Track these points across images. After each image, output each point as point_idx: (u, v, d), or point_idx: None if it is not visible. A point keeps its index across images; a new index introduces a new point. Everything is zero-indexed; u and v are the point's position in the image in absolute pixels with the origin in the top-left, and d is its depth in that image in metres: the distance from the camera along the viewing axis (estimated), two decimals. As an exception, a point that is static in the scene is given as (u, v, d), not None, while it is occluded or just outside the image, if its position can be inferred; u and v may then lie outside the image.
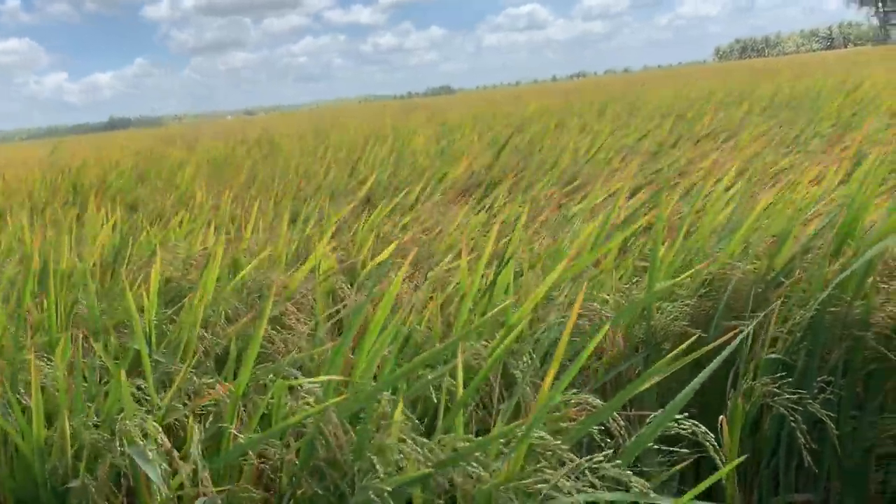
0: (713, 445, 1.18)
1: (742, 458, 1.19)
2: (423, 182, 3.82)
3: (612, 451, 1.24)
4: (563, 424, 1.20)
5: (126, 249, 2.51)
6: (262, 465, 1.33)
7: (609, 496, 0.98)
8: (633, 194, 2.87)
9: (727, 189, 2.54)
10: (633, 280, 1.97)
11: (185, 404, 1.45)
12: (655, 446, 1.44)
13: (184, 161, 5.93)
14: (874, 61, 13.19)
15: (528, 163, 4.18)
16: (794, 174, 2.65)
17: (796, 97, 6.62)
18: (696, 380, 1.08)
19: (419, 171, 4.06)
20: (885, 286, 1.70)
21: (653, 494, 0.98)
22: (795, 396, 1.48)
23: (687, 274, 1.70)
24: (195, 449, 1.21)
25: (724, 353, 1.10)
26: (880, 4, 71.15)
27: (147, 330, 1.75)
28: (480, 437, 1.06)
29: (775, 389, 1.51)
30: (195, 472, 1.29)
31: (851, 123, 4.39)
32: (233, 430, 1.27)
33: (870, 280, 1.63)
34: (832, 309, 1.63)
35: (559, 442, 1.11)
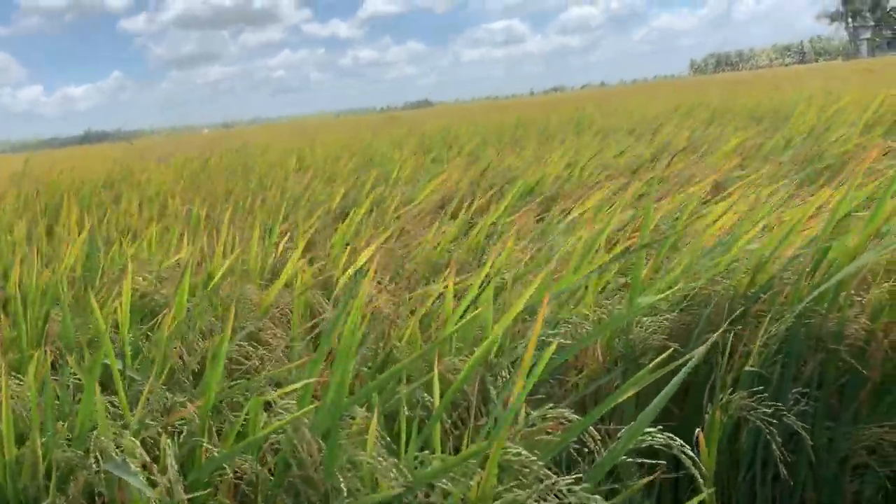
0: (689, 458, 1.18)
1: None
2: (403, 197, 3.82)
3: (588, 466, 1.24)
4: (539, 439, 1.19)
5: (98, 263, 2.48)
6: (237, 481, 1.31)
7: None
8: (611, 206, 2.89)
9: (704, 202, 2.56)
10: (614, 295, 1.97)
11: (157, 420, 1.43)
12: (636, 460, 1.44)
13: (158, 173, 5.88)
14: (848, 75, 13.43)
15: (510, 178, 4.20)
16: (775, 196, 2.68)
17: (774, 109, 6.72)
18: (663, 392, 1.08)
19: (399, 186, 4.06)
20: (860, 298, 1.72)
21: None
22: (771, 409, 1.48)
23: (669, 291, 1.71)
24: (171, 462, 1.19)
25: (691, 364, 1.09)
26: (850, 20, 72.64)
27: (121, 346, 1.73)
28: (452, 456, 1.05)
29: (752, 403, 1.51)
30: (171, 487, 1.27)
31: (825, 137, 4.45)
32: (205, 446, 1.25)
33: (844, 293, 1.65)
34: (807, 321, 1.64)
35: (535, 458, 1.11)
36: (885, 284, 1.67)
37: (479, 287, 1.78)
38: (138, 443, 1.21)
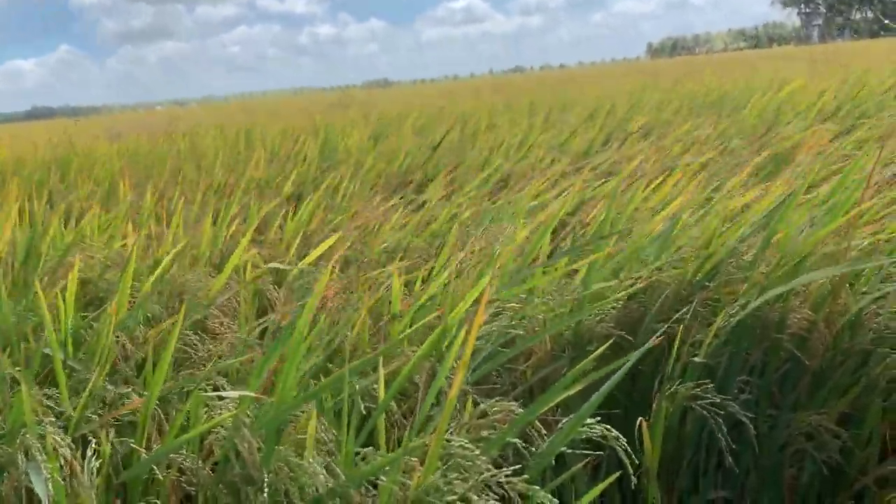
0: (624, 449, 1.19)
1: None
2: (356, 179, 3.78)
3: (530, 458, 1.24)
4: (485, 433, 1.19)
5: (39, 246, 2.39)
6: (177, 478, 1.29)
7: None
8: (561, 193, 2.90)
9: (652, 188, 2.58)
10: (563, 282, 1.98)
11: (99, 415, 1.39)
12: (580, 451, 1.45)
13: (105, 153, 5.72)
14: (798, 58, 13.68)
15: (461, 159, 4.18)
16: (718, 177, 2.71)
17: (725, 95, 6.81)
18: (602, 388, 1.08)
19: (351, 167, 4.01)
20: (802, 288, 1.76)
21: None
22: (717, 399, 1.51)
23: (616, 281, 1.72)
24: (89, 467, 1.16)
25: (631, 362, 1.10)
26: (802, 6, 74.00)
27: (63, 336, 1.67)
28: (392, 453, 1.04)
29: (698, 392, 1.54)
30: (107, 486, 1.24)
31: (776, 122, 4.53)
32: (143, 443, 1.22)
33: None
34: (755, 312, 1.67)
35: (477, 452, 1.10)
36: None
37: (430, 276, 1.77)
38: (63, 443, 1.17)
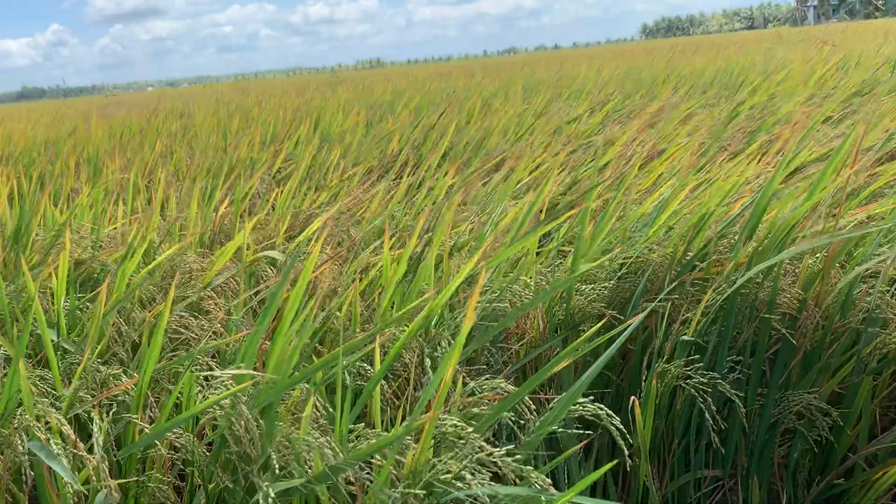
0: (618, 429, 1.20)
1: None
2: (352, 160, 3.77)
3: (525, 436, 1.25)
4: (476, 410, 1.19)
5: (29, 226, 2.38)
6: (172, 456, 1.29)
7: (505, 490, 0.97)
8: (558, 172, 2.90)
9: (642, 168, 2.58)
10: (556, 263, 1.98)
11: (92, 395, 1.39)
12: (572, 430, 1.46)
13: (97, 134, 5.68)
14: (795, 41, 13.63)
15: (456, 141, 4.17)
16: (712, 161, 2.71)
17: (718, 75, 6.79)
18: (594, 366, 1.08)
19: (344, 149, 4.00)
20: (792, 267, 1.76)
21: (553, 490, 0.98)
22: (707, 378, 1.52)
23: (606, 257, 1.72)
24: (97, 441, 1.16)
25: (623, 337, 1.10)
26: (798, -13, 73.75)
27: (56, 316, 1.67)
28: (386, 433, 1.04)
29: (688, 372, 1.54)
30: (97, 467, 1.24)
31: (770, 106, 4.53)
32: (138, 422, 1.22)
33: (782, 266, 1.68)
34: (743, 291, 1.68)
35: (471, 430, 1.11)
36: (818, 254, 1.71)
37: (421, 255, 1.76)
38: (65, 420, 1.17)
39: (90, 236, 2.34)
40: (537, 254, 1.96)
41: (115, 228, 2.42)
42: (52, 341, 1.45)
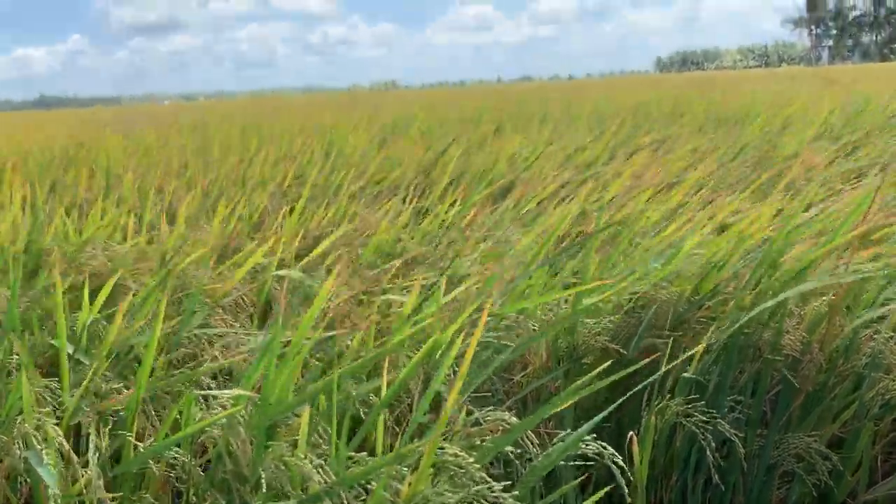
0: (620, 467, 1.20)
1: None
2: (362, 182, 3.80)
3: (524, 467, 1.25)
4: (478, 441, 1.20)
5: (42, 237, 2.40)
6: (168, 474, 1.29)
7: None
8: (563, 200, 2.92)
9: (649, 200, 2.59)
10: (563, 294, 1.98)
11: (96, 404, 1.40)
12: (572, 464, 1.46)
13: (114, 146, 5.73)
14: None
15: (467, 167, 4.20)
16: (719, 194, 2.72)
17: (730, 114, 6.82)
18: (597, 417, 1.09)
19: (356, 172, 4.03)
20: (798, 310, 1.76)
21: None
22: (706, 416, 1.52)
23: (609, 293, 1.73)
24: (92, 454, 1.17)
25: (628, 395, 1.11)
26: (813, 27, 74.11)
27: (79, 331, 1.69)
28: (386, 455, 1.05)
29: (688, 409, 1.54)
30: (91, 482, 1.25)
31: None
32: (132, 439, 1.23)
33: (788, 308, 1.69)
34: (746, 331, 1.68)
35: (472, 460, 1.11)
36: (824, 298, 1.72)
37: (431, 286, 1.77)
38: (60, 431, 1.18)
39: (105, 253, 2.36)
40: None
41: (134, 244, 2.43)
42: (67, 353, 1.46)
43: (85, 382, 1.37)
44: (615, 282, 1.78)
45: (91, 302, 1.75)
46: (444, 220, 2.83)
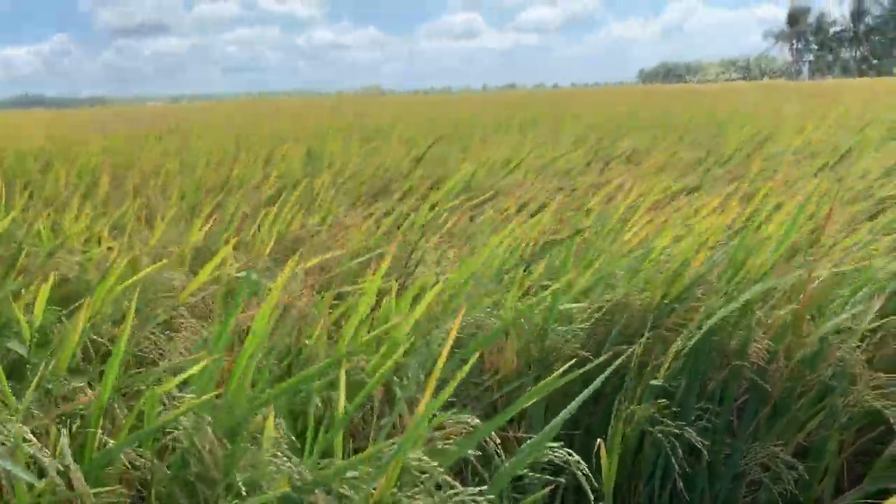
0: (585, 474, 1.20)
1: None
2: (338, 186, 3.79)
3: (490, 473, 1.25)
4: (441, 445, 1.19)
5: (19, 241, 2.37)
6: (129, 475, 1.28)
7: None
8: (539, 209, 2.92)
9: (630, 208, 2.60)
10: (536, 298, 1.99)
11: (57, 407, 1.38)
12: (539, 474, 1.45)
13: (92, 148, 5.68)
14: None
15: (446, 173, 4.20)
16: (695, 202, 2.74)
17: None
18: (564, 411, 1.09)
19: (334, 175, 4.02)
20: (766, 319, 1.78)
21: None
22: (674, 424, 1.52)
23: (582, 304, 1.73)
24: (66, 450, 1.15)
25: (595, 384, 1.11)
26: (794, 42, 75.04)
27: (31, 332, 1.67)
28: (352, 457, 1.04)
29: (656, 416, 1.55)
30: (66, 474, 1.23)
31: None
32: (98, 437, 1.21)
33: (755, 315, 1.70)
34: (714, 337, 1.69)
35: (436, 464, 1.11)
36: (789, 307, 1.73)
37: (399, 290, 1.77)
38: (28, 430, 1.17)
39: (78, 254, 2.33)
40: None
41: (109, 249, 2.40)
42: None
43: (32, 384, 1.35)
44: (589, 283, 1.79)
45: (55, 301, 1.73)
46: (422, 226, 2.83)
